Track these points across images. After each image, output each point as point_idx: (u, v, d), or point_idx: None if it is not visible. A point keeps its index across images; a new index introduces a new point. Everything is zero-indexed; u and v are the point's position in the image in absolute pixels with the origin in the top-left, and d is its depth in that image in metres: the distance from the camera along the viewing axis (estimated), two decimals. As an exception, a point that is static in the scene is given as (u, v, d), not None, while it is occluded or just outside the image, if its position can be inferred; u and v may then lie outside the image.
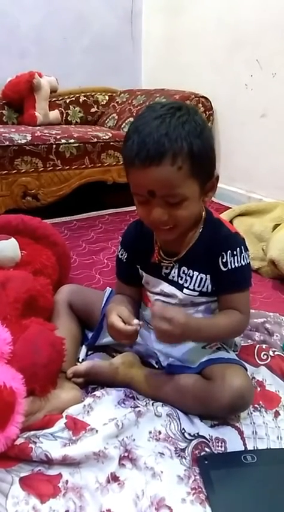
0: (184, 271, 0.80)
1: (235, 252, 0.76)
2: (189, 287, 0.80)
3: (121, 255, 0.88)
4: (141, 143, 0.66)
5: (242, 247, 0.78)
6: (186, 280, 0.80)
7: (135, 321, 0.74)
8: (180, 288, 0.81)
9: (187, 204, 0.70)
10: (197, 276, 0.79)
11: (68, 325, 0.91)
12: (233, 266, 0.76)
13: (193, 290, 0.80)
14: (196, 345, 0.82)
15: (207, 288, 0.80)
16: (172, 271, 0.81)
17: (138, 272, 0.87)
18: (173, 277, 0.81)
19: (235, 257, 0.76)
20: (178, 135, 0.65)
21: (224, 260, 0.76)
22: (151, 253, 0.83)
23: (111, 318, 0.75)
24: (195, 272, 0.79)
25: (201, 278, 0.79)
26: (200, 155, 0.68)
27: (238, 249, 0.77)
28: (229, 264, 0.76)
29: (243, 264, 0.77)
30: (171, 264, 0.81)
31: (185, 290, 0.80)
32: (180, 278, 0.81)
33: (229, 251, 0.76)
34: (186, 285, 0.80)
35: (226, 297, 0.79)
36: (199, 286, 0.80)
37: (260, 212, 1.65)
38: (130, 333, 0.74)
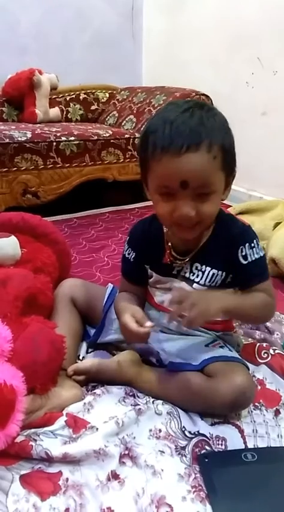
0: (197, 267, 0.80)
1: (252, 244, 0.77)
2: (200, 282, 0.80)
3: (128, 254, 0.87)
4: (176, 131, 0.64)
5: (257, 239, 0.78)
6: (197, 276, 0.80)
7: (148, 323, 0.74)
8: (190, 283, 0.80)
9: (215, 198, 0.69)
10: (209, 272, 0.79)
11: (68, 321, 0.90)
12: (253, 258, 0.76)
13: (204, 285, 0.80)
14: (199, 342, 0.82)
15: (216, 283, 0.80)
16: (184, 268, 0.81)
17: (145, 272, 0.86)
18: (185, 273, 0.81)
19: (254, 249, 0.77)
20: (212, 126, 0.65)
21: (243, 253, 0.76)
22: (162, 254, 0.82)
23: (125, 318, 0.75)
24: (207, 268, 0.79)
25: (213, 274, 0.79)
26: (230, 149, 0.69)
27: (254, 241, 0.77)
28: (249, 256, 0.76)
29: (262, 255, 0.78)
30: (183, 264, 0.80)
31: (195, 285, 0.80)
32: (192, 274, 0.80)
33: (247, 244, 0.76)
34: (197, 280, 0.80)
35: (253, 289, 0.79)
36: (209, 281, 0.79)
37: (261, 210, 1.65)
38: (143, 335, 0.74)
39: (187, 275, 0.81)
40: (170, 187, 0.68)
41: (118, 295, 0.90)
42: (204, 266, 0.79)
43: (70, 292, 0.94)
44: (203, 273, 0.79)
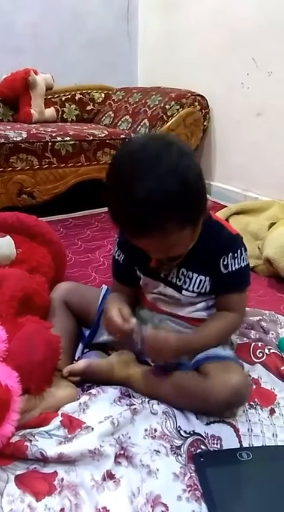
0: (183, 272, 0.80)
1: (236, 255, 0.77)
2: (189, 289, 0.80)
3: (118, 256, 0.87)
4: (127, 218, 0.66)
5: (243, 248, 0.79)
6: (185, 282, 0.80)
7: (133, 320, 0.75)
8: (179, 289, 0.81)
9: (183, 243, 0.72)
10: (197, 278, 0.79)
11: (64, 323, 0.91)
12: (233, 268, 0.77)
13: (193, 292, 0.80)
14: None
15: (206, 289, 0.80)
16: (171, 273, 0.81)
17: (135, 273, 0.86)
18: (172, 278, 0.81)
19: (236, 259, 0.77)
20: (160, 201, 0.61)
21: (225, 263, 0.77)
22: (149, 258, 0.80)
23: (111, 312, 0.76)
24: (194, 274, 0.79)
25: (201, 280, 0.79)
26: (189, 207, 0.65)
27: (238, 251, 0.78)
28: (230, 266, 0.77)
29: (243, 265, 0.78)
30: (170, 268, 0.80)
31: (184, 292, 0.80)
32: (178, 280, 0.80)
33: (230, 253, 0.77)
34: (185, 286, 0.80)
35: (224, 297, 0.80)
36: (198, 288, 0.80)
37: (256, 211, 1.65)
38: (127, 331, 0.75)
39: (173, 280, 0.81)
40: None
41: (110, 296, 0.90)
42: (190, 272, 0.79)
43: (63, 296, 0.95)
44: (191, 279, 0.80)
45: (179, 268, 0.80)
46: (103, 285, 0.98)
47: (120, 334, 0.77)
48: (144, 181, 0.61)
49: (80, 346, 0.94)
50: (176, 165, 0.63)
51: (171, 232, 0.66)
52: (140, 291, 0.90)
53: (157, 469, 0.66)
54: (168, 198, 0.62)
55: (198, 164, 0.67)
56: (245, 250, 0.79)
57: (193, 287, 0.80)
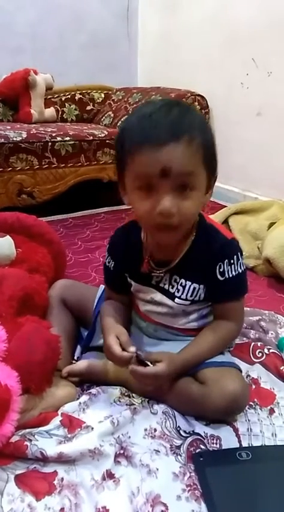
0: (175, 279, 0.78)
1: (232, 261, 0.74)
2: (181, 297, 0.78)
3: (108, 262, 0.85)
4: (156, 124, 0.62)
5: (239, 253, 0.76)
6: (177, 290, 0.78)
7: (132, 349, 0.72)
8: (172, 297, 0.78)
9: (196, 196, 0.66)
10: (190, 286, 0.77)
11: (62, 322, 0.90)
12: (230, 275, 0.74)
13: (186, 299, 0.78)
14: None
15: (199, 297, 0.78)
16: (163, 280, 0.79)
17: (127, 280, 0.84)
18: (164, 284, 0.79)
19: (232, 266, 0.74)
20: (192, 121, 0.64)
21: (221, 270, 0.74)
22: (140, 263, 0.79)
23: (110, 341, 0.73)
24: (187, 282, 0.77)
25: (194, 288, 0.77)
26: (210, 147, 0.67)
27: (234, 257, 0.75)
28: (226, 273, 0.74)
29: (240, 271, 0.75)
30: (162, 274, 0.78)
31: (177, 300, 0.78)
32: (171, 286, 0.78)
33: (226, 260, 0.74)
34: (177, 294, 0.78)
35: (221, 305, 0.78)
36: (191, 296, 0.77)
37: (256, 211, 1.65)
38: (126, 359, 0.72)
39: (166, 287, 0.79)
40: (150, 176, 0.63)
41: (104, 304, 0.87)
42: (183, 280, 0.77)
43: (60, 293, 0.94)
44: (184, 287, 0.77)
45: (171, 275, 0.78)
46: (101, 285, 0.98)
47: (120, 363, 0.74)
48: (169, 108, 0.64)
49: (79, 346, 0.94)
50: (203, 118, 0.70)
51: (197, 152, 0.64)
52: (134, 299, 0.87)
53: (157, 469, 0.66)
54: (199, 125, 0.65)
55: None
56: (242, 254, 0.77)
57: (187, 295, 0.77)
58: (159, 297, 0.80)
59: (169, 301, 0.79)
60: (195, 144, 0.63)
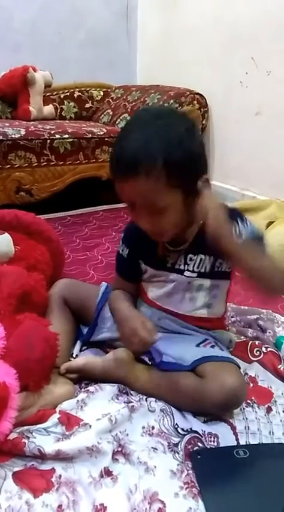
0: (191, 258, 0.81)
1: (243, 220, 0.76)
2: (189, 269, 0.81)
3: (122, 251, 0.89)
4: (120, 156, 0.70)
5: (244, 216, 0.78)
6: (188, 264, 0.81)
7: (157, 336, 0.76)
8: (181, 272, 0.82)
9: (170, 213, 0.71)
10: (197, 257, 0.80)
11: (61, 320, 0.91)
12: (248, 232, 0.75)
13: (193, 271, 0.81)
14: (191, 342, 0.82)
15: (205, 269, 0.81)
16: (179, 261, 0.82)
17: (138, 268, 0.87)
18: (179, 265, 0.82)
19: (244, 223, 0.76)
20: (153, 147, 0.66)
21: (237, 232, 0.74)
22: (155, 247, 0.83)
23: (137, 324, 0.77)
24: (199, 255, 0.80)
25: (201, 259, 0.80)
26: (179, 165, 0.67)
27: (243, 217, 0.77)
28: (243, 232, 0.74)
29: (251, 224, 0.77)
30: (177, 255, 0.81)
31: (186, 272, 0.81)
32: (186, 266, 0.81)
33: (238, 218, 0.75)
34: (187, 267, 0.81)
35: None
36: (198, 267, 0.81)
37: (254, 210, 1.66)
38: (149, 344, 0.76)
39: (181, 267, 0.82)
40: (126, 202, 0.73)
41: (113, 293, 0.91)
42: (197, 255, 0.81)
43: (62, 292, 0.95)
44: (194, 261, 0.81)
45: (186, 255, 0.81)
46: (103, 282, 0.99)
47: (139, 347, 0.78)
48: (143, 128, 0.69)
49: (78, 343, 0.94)
50: (176, 125, 0.70)
51: (157, 180, 0.67)
52: (141, 287, 0.90)
53: (155, 466, 0.66)
54: (161, 143, 0.67)
55: (200, 135, 0.71)
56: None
57: (193, 267, 0.81)
58: (174, 276, 0.83)
59: (179, 277, 0.82)
60: (154, 172, 0.66)
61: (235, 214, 0.77)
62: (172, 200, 0.70)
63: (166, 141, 0.67)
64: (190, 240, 0.80)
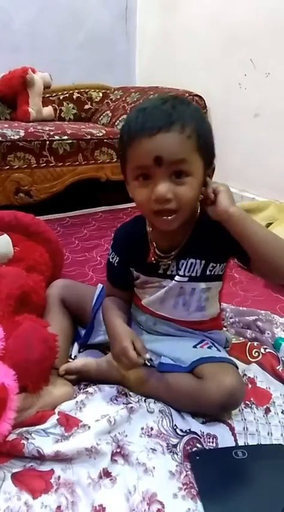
0: (183, 263, 0.79)
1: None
2: (179, 273, 0.79)
3: (112, 258, 0.85)
4: (149, 115, 0.66)
5: None
6: (180, 269, 0.79)
7: (147, 356, 0.74)
8: (172, 277, 0.79)
9: (191, 182, 0.67)
10: (188, 261, 0.78)
11: (60, 321, 0.91)
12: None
13: (183, 276, 0.79)
14: (188, 344, 0.82)
15: (197, 273, 0.79)
16: (170, 267, 0.80)
17: (130, 276, 0.84)
18: (172, 272, 0.80)
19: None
20: (184, 110, 0.67)
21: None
22: (146, 254, 0.80)
23: (126, 345, 0.74)
24: (191, 259, 0.78)
25: (191, 263, 0.78)
26: (205, 135, 0.69)
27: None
28: None
29: None
30: (169, 262, 0.79)
31: (177, 277, 0.79)
32: (179, 271, 0.79)
33: None
34: (178, 272, 0.79)
35: None
36: (189, 271, 0.78)
37: (253, 211, 1.66)
38: (137, 365, 0.74)
39: (174, 273, 0.79)
40: (145, 166, 0.67)
41: (106, 301, 0.88)
42: (188, 259, 0.78)
43: (60, 293, 0.94)
44: (185, 265, 0.78)
45: (178, 261, 0.79)
46: (99, 284, 0.98)
47: (129, 366, 0.75)
48: (166, 99, 0.68)
49: (76, 345, 0.95)
50: (199, 108, 0.72)
51: (189, 138, 0.66)
52: (134, 293, 0.88)
53: (154, 467, 0.66)
54: (192, 114, 0.67)
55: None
56: None
57: (185, 271, 0.78)
58: (165, 282, 0.81)
59: (170, 283, 0.80)
60: (187, 131, 0.65)
61: None
62: (196, 167, 0.68)
63: (194, 111, 0.69)
64: (182, 245, 0.78)
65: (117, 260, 0.84)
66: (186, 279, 0.79)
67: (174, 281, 0.79)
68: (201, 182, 0.70)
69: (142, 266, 0.82)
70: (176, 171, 0.66)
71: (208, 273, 0.79)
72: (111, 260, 0.86)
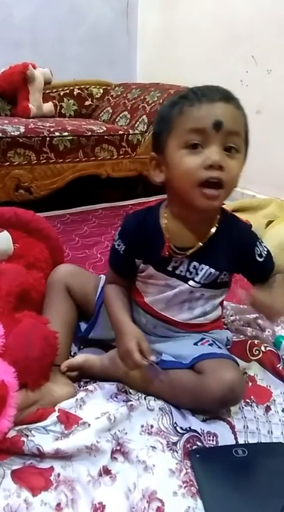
0: (195, 266, 0.77)
1: (260, 241, 0.80)
2: (195, 279, 0.78)
3: (118, 246, 0.82)
4: (207, 89, 0.70)
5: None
6: (196, 274, 0.78)
7: (152, 358, 0.73)
8: (186, 280, 0.79)
9: (240, 158, 0.71)
10: (207, 271, 0.77)
11: (62, 311, 0.88)
12: (265, 254, 0.80)
13: (198, 282, 0.78)
14: (188, 342, 0.82)
15: (210, 281, 0.79)
16: (181, 266, 0.78)
17: (134, 266, 0.82)
18: (181, 272, 0.78)
19: (262, 245, 0.80)
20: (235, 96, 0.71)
21: (259, 252, 0.79)
22: (160, 247, 0.77)
23: (131, 346, 0.73)
24: (205, 266, 0.77)
25: (210, 273, 0.77)
26: (247, 126, 0.73)
27: (260, 238, 0.81)
28: (262, 253, 0.79)
29: (267, 249, 0.81)
30: (182, 259, 0.78)
31: (191, 282, 0.78)
32: (188, 273, 0.78)
33: (258, 242, 0.80)
34: (192, 276, 0.78)
35: (270, 280, 0.81)
36: (205, 280, 0.78)
37: (254, 209, 1.66)
38: (143, 366, 0.73)
39: (183, 273, 0.78)
40: (201, 129, 0.67)
41: (108, 289, 0.85)
42: (202, 265, 0.77)
43: (65, 279, 0.91)
44: (201, 271, 0.78)
45: (190, 262, 0.78)
46: (101, 275, 0.96)
47: (134, 366, 0.74)
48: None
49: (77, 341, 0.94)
50: None
51: (242, 116, 0.71)
52: (136, 289, 0.86)
53: (153, 465, 0.66)
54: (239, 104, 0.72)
55: None
56: None
57: (201, 279, 0.78)
58: (172, 281, 0.80)
59: (182, 285, 0.79)
60: (241, 110, 0.71)
61: (254, 235, 0.81)
62: (243, 148, 0.71)
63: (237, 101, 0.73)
64: (198, 247, 0.76)
65: (123, 248, 0.82)
66: (199, 285, 0.79)
67: (187, 285, 0.79)
68: (242, 164, 0.73)
69: (153, 259, 0.80)
70: (229, 145, 0.68)
71: (219, 280, 0.80)
72: (116, 247, 0.83)
